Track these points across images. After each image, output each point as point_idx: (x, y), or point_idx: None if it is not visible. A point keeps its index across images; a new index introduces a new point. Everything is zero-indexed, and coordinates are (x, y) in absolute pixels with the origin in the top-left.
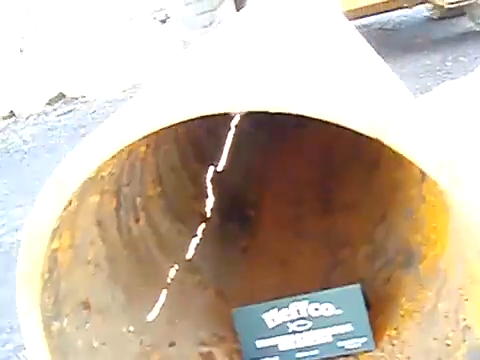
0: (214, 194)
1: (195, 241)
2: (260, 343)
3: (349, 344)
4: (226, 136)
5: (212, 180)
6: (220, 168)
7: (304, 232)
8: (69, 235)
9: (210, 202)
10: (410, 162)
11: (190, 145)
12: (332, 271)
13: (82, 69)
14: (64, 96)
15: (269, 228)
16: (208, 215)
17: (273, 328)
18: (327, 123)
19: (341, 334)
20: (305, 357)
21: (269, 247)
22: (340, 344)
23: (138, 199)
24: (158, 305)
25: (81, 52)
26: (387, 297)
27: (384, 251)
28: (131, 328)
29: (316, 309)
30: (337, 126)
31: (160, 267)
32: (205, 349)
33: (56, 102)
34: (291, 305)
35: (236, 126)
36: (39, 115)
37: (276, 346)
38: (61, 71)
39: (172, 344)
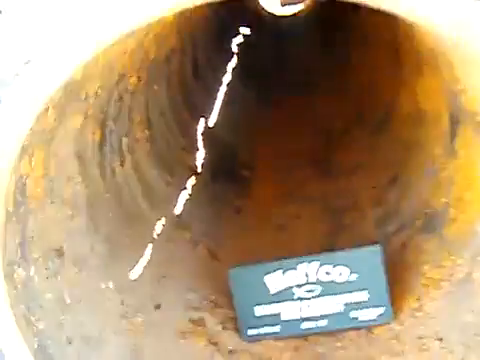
0: (205, 149)
1: (184, 195)
2: (259, 310)
3: (363, 315)
4: (217, 91)
5: (203, 134)
6: (211, 123)
7: (303, 196)
8: (42, 160)
9: (201, 156)
10: (434, 119)
11: (181, 93)
12: (336, 237)
13: None
14: None
15: (265, 190)
16: (199, 170)
17: (276, 293)
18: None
19: (355, 303)
20: (311, 328)
21: (265, 210)
22: (353, 314)
23: (124, 140)
24: (143, 261)
25: None
26: (405, 264)
27: (398, 215)
28: (111, 285)
29: (327, 273)
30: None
31: (146, 219)
32: (195, 314)
33: None
34: (299, 267)
35: (228, 84)
36: None
37: (278, 314)
38: None
39: (158, 306)
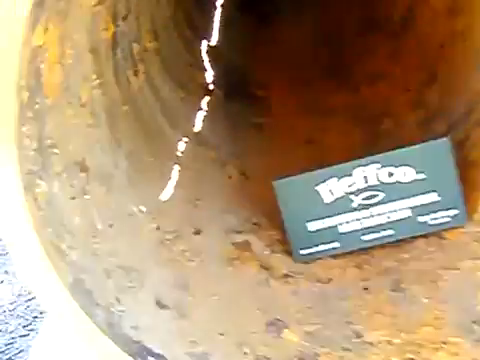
0: (213, 69)
1: (201, 113)
2: (313, 225)
3: (433, 219)
4: (213, 14)
5: (208, 53)
6: (213, 42)
7: (327, 108)
8: (56, 41)
9: (210, 75)
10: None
11: (181, 11)
12: (373, 145)
13: None
14: None
15: (284, 107)
16: (210, 87)
17: (331, 203)
18: None
19: (423, 206)
20: (375, 239)
21: (288, 125)
22: (421, 219)
23: (135, 46)
24: (171, 182)
25: None
26: (467, 161)
27: (445, 113)
28: (143, 208)
29: (390, 174)
30: None
31: (166, 137)
32: (239, 237)
33: None
34: (355, 171)
35: (222, 6)
36: None
37: (335, 227)
38: None
39: (197, 232)
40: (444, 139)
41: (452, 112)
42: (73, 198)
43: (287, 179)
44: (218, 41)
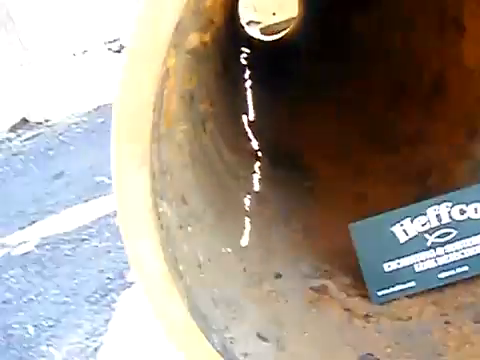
0: (257, 139)
1: (256, 176)
2: (389, 266)
3: None
4: (245, 92)
5: (250, 126)
6: (251, 118)
7: (370, 172)
8: (178, 68)
9: (255, 144)
10: None
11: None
12: (424, 197)
13: (44, 95)
14: (27, 121)
15: (328, 172)
16: (259, 154)
17: (406, 243)
18: None
19: None
20: (451, 276)
21: (337, 186)
22: None
23: (201, 106)
24: (246, 231)
25: (41, 80)
26: None
27: None
28: (229, 249)
29: (462, 212)
30: None
31: (234, 194)
32: (316, 282)
33: (19, 128)
34: (429, 210)
35: (251, 87)
36: (3, 142)
37: (411, 267)
38: (23, 97)
39: (278, 276)
40: None
41: None
42: (180, 227)
43: (363, 221)
44: (255, 116)
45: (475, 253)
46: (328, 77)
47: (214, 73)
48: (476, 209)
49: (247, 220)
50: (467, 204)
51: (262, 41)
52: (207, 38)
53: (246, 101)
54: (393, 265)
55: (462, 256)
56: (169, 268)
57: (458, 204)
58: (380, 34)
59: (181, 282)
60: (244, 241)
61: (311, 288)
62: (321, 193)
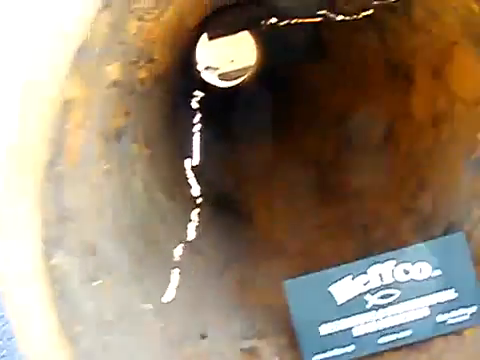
0: (199, 184)
1: (193, 224)
2: (326, 328)
3: (453, 317)
4: (192, 135)
5: (192, 170)
6: (195, 162)
7: (314, 224)
8: (82, 101)
9: (196, 190)
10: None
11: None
12: (368, 254)
13: None
14: None
15: (269, 223)
16: (199, 201)
17: (344, 304)
18: None
19: (441, 304)
20: (392, 342)
21: (276, 239)
22: (440, 318)
23: (134, 146)
24: (172, 286)
25: None
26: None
27: (440, 216)
28: (149, 306)
29: (406, 272)
30: None
31: (162, 243)
32: (246, 344)
33: None
34: (371, 269)
35: (200, 131)
36: None
37: (349, 330)
38: None
39: (203, 336)
40: (459, 233)
41: (448, 214)
42: (84, 281)
43: (298, 279)
44: (200, 161)
45: (419, 317)
46: (278, 126)
47: (156, 113)
48: (421, 269)
49: (175, 272)
50: (412, 263)
51: (218, 87)
52: (144, 74)
53: (191, 145)
54: (330, 328)
55: (405, 320)
56: (60, 330)
57: (402, 263)
58: (331, 87)
59: (73, 346)
60: (168, 296)
61: (241, 350)
62: (260, 245)
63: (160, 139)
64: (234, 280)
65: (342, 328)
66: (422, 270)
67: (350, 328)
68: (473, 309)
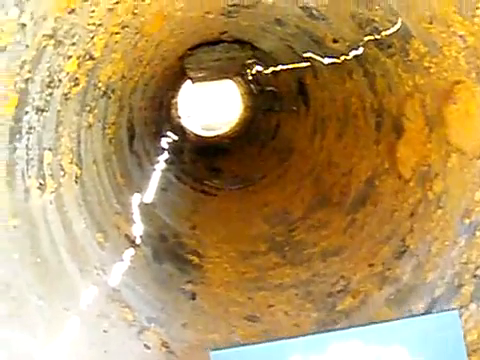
0: (143, 224)
1: (121, 266)
2: None
3: None
4: (152, 172)
5: (140, 207)
6: (148, 200)
7: (271, 285)
8: None
9: (139, 229)
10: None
11: (116, 156)
12: (333, 325)
13: None
14: None
15: (221, 278)
16: (137, 241)
17: None
18: None
19: None
20: None
21: (226, 298)
22: None
23: (47, 154)
24: (66, 338)
25: None
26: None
27: (422, 288)
28: None
29: (377, 357)
30: None
31: (70, 281)
32: None
33: None
34: (330, 349)
35: (162, 171)
36: None
37: None
38: None
39: None
40: (453, 312)
41: (433, 287)
42: None
43: (229, 351)
44: (154, 200)
45: None
46: (248, 177)
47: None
48: (397, 355)
49: (76, 321)
50: (385, 345)
51: (196, 134)
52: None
53: (147, 180)
54: None
55: None
56: None
57: (372, 344)
58: (310, 140)
59: None
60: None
61: None
62: (203, 304)
63: (100, 162)
64: (156, 342)
65: None
66: (398, 356)
67: None
68: None
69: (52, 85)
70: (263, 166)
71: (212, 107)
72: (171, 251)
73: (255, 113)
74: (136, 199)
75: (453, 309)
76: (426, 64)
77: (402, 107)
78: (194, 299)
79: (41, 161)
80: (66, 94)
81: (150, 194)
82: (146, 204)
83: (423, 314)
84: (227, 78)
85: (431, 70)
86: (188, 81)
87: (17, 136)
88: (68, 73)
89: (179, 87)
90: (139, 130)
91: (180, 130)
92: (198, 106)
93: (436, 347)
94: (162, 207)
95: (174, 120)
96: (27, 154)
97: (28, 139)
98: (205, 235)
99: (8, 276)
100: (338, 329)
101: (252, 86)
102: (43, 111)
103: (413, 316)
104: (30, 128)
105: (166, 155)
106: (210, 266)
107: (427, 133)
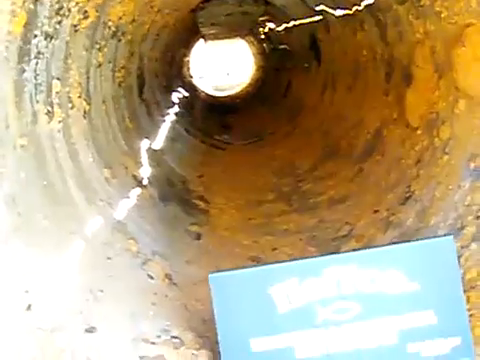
0: (151, 167)
1: (127, 202)
2: (259, 344)
3: (429, 348)
4: (162, 122)
5: (148, 152)
6: (156, 147)
7: (276, 230)
8: None
9: (146, 171)
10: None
11: (126, 103)
12: None
13: None
14: None
15: (225, 222)
16: (144, 182)
17: (286, 314)
18: None
19: (414, 329)
20: None
21: (230, 240)
22: (412, 348)
23: (56, 83)
24: (70, 258)
25: None
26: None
27: (426, 232)
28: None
29: (372, 280)
30: None
31: (75, 208)
32: (150, 350)
33: None
34: (326, 272)
35: (172, 122)
36: None
37: (290, 350)
38: None
39: (90, 330)
40: (447, 237)
41: (436, 229)
42: None
43: (227, 273)
44: (162, 148)
45: (383, 344)
46: (258, 133)
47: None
48: (392, 279)
49: (79, 245)
50: (381, 270)
51: (207, 94)
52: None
53: (157, 128)
54: (265, 343)
55: (365, 345)
56: None
57: (368, 268)
58: (320, 94)
59: None
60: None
61: (141, 358)
62: (207, 243)
63: (109, 103)
64: (159, 274)
65: (281, 345)
66: (393, 280)
67: (291, 347)
68: (456, 341)
69: (61, 13)
70: (273, 123)
71: (224, 69)
72: (178, 195)
73: (267, 73)
74: (145, 144)
75: (448, 235)
76: (437, 8)
77: (412, 55)
78: (199, 239)
79: (50, 89)
80: (75, 26)
81: (159, 142)
82: (155, 150)
83: (418, 239)
84: (239, 36)
85: (442, 15)
86: (200, 41)
87: (25, 58)
88: (77, 3)
89: (191, 45)
90: (149, 80)
91: (191, 88)
92: (210, 68)
93: (431, 271)
94: (170, 155)
95: (186, 78)
96: (35, 79)
97: (36, 63)
98: (213, 183)
99: (14, 190)
100: (334, 253)
101: (264, 45)
102: (52, 38)
103: (408, 241)
104: (39, 53)
105: (176, 108)
106: (216, 211)
107: (436, 80)
